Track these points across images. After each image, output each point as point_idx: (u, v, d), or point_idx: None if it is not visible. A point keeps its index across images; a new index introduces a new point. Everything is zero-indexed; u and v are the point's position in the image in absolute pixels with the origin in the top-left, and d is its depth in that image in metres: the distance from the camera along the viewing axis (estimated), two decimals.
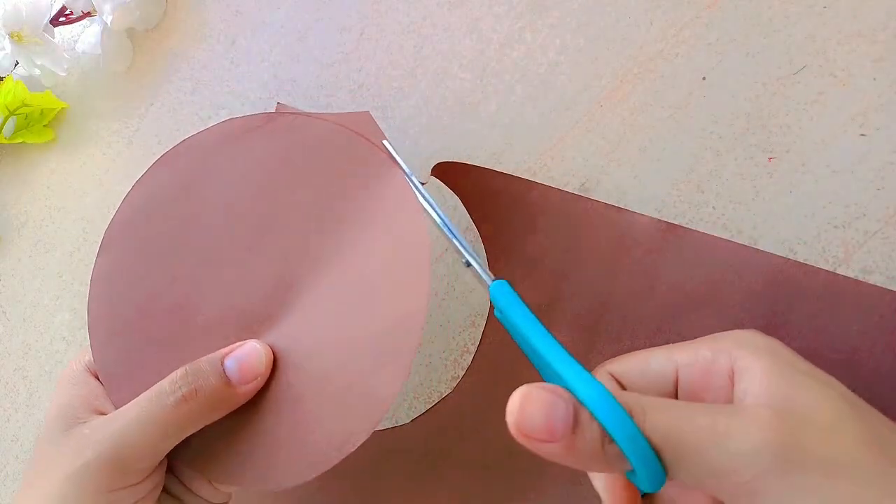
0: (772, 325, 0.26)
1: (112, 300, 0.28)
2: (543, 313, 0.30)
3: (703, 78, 0.30)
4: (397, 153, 0.27)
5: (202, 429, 0.25)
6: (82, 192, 0.42)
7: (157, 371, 0.25)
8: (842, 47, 0.28)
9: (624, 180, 0.30)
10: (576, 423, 0.17)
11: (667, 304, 0.28)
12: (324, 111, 0.37)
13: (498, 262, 0.31)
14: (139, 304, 0.28)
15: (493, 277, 0.23)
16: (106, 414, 0.25)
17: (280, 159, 0.28)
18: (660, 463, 0.17)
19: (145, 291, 0.28)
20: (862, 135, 0.27)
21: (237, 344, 0.25)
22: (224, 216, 0.28)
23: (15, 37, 0.41)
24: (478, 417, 0.30)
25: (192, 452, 0.25)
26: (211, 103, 0.40)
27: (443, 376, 0.32)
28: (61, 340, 0.41)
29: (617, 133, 0.31)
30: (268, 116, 0.29)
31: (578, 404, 0.18)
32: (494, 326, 0.31)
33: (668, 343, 0.22)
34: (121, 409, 0.24)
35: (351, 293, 0.25)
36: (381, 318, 0.24)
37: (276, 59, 0.39)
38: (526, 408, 0.17)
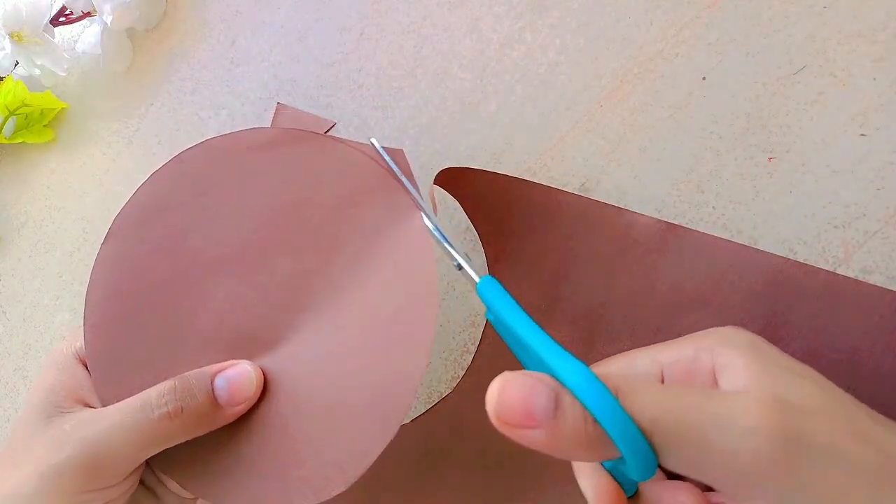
0: (772, 325, 0.26)
1: (111, 288, 0.27)
2: (543, 313, 0.30)
3: (703, 78, 0.30)
4: (414, 186, 0.26)
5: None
6: (82, 192, 0.42)
7: (146, 371, 0.25)
8: (842, 47, 0.28)
9: (624, 180, 0.30)
10: (557, 406, 0.16)
11: (667, 304, 0.28)
12: (324, 111, 0.37)
13: (498, 262, 0.31)
14: (137, 297, 0.27)
15: (480, 275, 0.23)
16: (90, 406, 0.25)
17: (303, 181, 0.27)
18: (650, 447, 0.16)
19: (146, 286, 0.27)
20: (862, 135, 0.27)
21: (229, 363, 0.25)
22: (236, 227, 0.27)
23: (15, 37, 0.41)
24: (478, 417, 0.30)
25: (168, 459, 0.25)
26: (211, 103, 0.40)
27: (443, 376, 0.32)
28: (61, 340, 0.41)
29: (617, 133, 0.31)
30: (297, 134, 0.28)
31: (561, 388, 0.17)
32: None
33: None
34: (106, 409, 0.24)
35: (351, 336, 0.25)
36: (376, 371, 0.24)
37: (276, 59, 0.39)
38: (505, 393, 0.17)
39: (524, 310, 0.21)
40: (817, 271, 0.25)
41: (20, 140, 0.44)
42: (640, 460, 0.16)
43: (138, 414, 0.23)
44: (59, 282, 0.42)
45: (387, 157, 0.27)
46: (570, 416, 0.16)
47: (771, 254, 0.26)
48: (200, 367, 0.25)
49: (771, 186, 0.28)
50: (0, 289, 0.44)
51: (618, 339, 0.28)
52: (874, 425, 0.17)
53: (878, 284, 0.25)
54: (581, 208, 0.29)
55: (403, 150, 0.28)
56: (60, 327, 0.41)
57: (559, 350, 0.18)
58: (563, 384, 0.17)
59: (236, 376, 0.24)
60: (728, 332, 0.20)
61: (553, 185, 0.30)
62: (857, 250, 0.26)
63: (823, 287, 0.25)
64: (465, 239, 0.33)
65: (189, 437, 0.24)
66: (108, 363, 0.26)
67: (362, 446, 0.23)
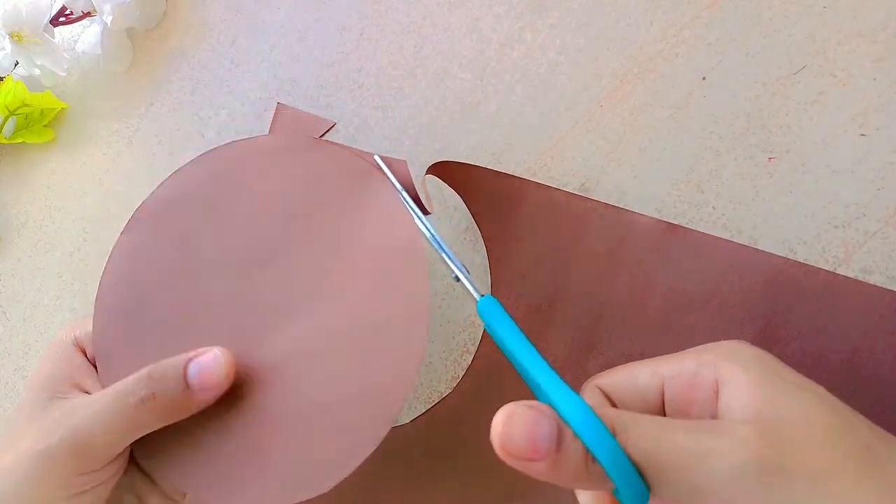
0: (772, 325, 0.26)
1: (125, 279, 0.29)
2: (543, 313, 0.30)
3: (703, 78, 0.30)
4: (414, 198, 0.27)
5: (165, 429, 0.25)
6: (82, 192, 0.42)
7: (148, 360, 0.25)
8: (842, 47, 0.28)
9: (624, 180, 0.30)
10: (560, 441, 0.17)
11: (667, 304, 0.28)
12: (324, 111, 0.37)
13: (499, 262, 0.31)
14: (149, 290, 0.28)
15: (480, 293, 0.23)
16: (87, 391, 0.26)
17: (314, 187, 0.28)
18: (642, 481, 0.17)
19: (158, 279, 0.28)
20: (862, 135, 0.27)
21: (202, 350, 0.25)
22: (247, 229, 0.28)
23: (15, 37, 0.41)
24: (477, 418, 0.30)
25: (151, 450, 0.26)
26: (211, 103, 0.40)
27: (443, 376, 0.32)
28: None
29: (617, 133, 0.31)
30: (311, 142, 0.29)
31: (562, 422, 0.18)
32: None
33: (668, 343, 0.22)
34: (93, 396, 0.25)
35: (344, 338, 0.25)
36: (368, 374, 0.24)
37: (276, 59, 0.39)
38: (510, 426, 0.17)
39: (523, 332, 0.21)
40: (817, 271, 0.25)
41: (20, 140, 0.44)
42: (633, 492, 0.17)
43: (117, 401, 0.24)
44: (59, 282, 0.42)
45: (387, 171, 0.27)
46: (572, 451, 0.17)
47: (771, 254, 0.26)
48: None
49: (771, 186, 0.28)
50: (0, 289, 0.44)
51: (618, 339, 0.28)
52: (875, 443, 0.17)
53: (878, 284, 0.25)
54: (581, 208, 0.29)
55: (406, 161, 0.28)
56: (60, 327, 0.41)
57: (556, 380, 0.19)
58: (561, 416, 0.18)
59: (206, 362, 0.25)
60: (732, 346, 0.20)
61: (553, 185, 0.30)
62: (857, 250, 0.26)
63: (823, 287, 0.25)
64: (464, 239, 0.33)
65: (165, 423, 0.24)
66: (114, 350, 0.27)
67: (350, 448, 0.23)
